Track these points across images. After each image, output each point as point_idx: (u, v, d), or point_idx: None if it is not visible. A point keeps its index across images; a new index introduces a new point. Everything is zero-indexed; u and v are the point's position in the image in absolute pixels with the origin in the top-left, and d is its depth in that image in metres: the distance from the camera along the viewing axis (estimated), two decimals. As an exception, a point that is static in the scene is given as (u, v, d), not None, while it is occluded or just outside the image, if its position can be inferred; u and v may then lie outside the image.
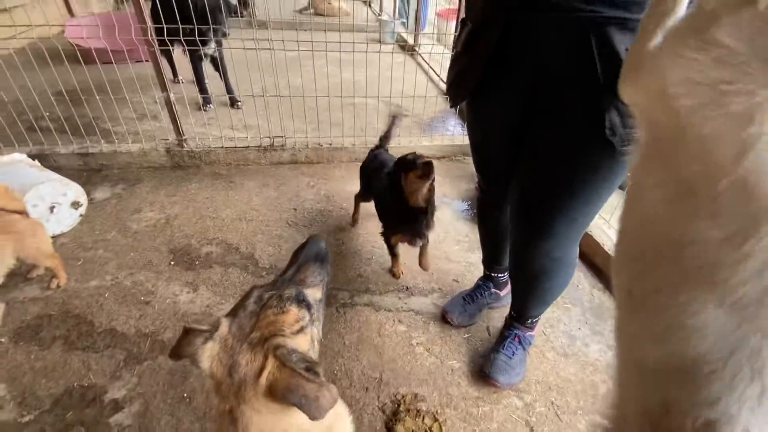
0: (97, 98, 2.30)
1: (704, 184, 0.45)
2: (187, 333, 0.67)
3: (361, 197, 2.07)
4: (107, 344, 1.48)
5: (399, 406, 1.34)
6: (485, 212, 1.47)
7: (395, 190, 1.57)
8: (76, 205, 1.97)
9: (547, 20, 0.87)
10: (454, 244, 2.05)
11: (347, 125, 2.67)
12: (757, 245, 0.42)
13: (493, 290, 1.62)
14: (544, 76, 0.94)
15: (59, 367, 1.39)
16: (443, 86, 3.57)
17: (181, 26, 2.16)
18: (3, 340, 1.46)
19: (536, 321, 1.46)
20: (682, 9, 0.57)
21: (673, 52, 0.49)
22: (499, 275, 1.61)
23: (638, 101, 0.61)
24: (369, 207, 2.26)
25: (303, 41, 2.18)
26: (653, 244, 0.54)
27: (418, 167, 1.47)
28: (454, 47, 1.09)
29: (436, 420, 1.30)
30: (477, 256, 1.96)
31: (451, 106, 1.19)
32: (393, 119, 1.97)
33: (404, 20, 5.47)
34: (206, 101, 3.06)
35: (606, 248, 1.87)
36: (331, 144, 2.64)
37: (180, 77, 3.47)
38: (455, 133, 2.93)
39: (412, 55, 4.51)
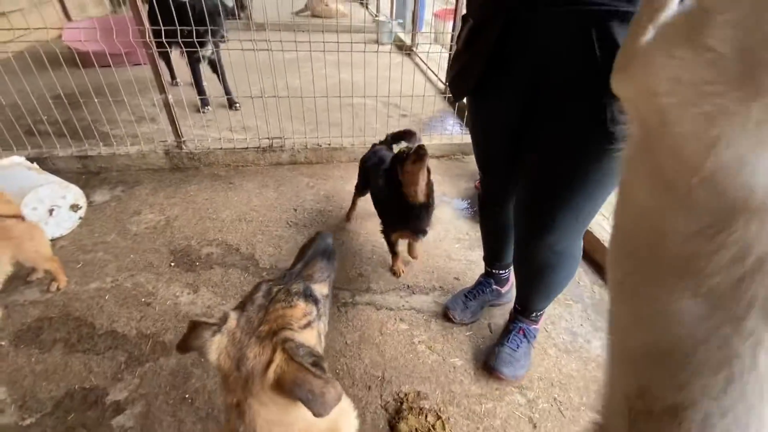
0: (96, 101, 2.30)
1: (680, 180, 0.47)
2: (195, 326, 0.67)
3: (358, 191, 2.08)
4: (108, 346, 1.47)
5: (402, 404, 1.33)
6: (487, 209, 1.47)
7: (394, 187, 1.57)
8: (75, 207, 1.97)
9: (548, 15, 0.88)
10: (454, 242, 2.05)
11: (346, 125, 2.67)
12: (728, 239, 0.44)
13: (494, 287, 1.62)
14: (545, 71, 0.94)
15: (60, 370, 1.38)
16: (441, 86, 3.58)
17: (178, 28, 2.16)
18: (3, 343, 1.46)
19: (541, 314, 1.46)
20: (674, 5, 0.58)
21: (665, 50, 0.50)
22: (501, 272, 1.61)
23: (628, 96, 0.63)
24: (369, 208, 2.26)
25: (301, 41, 2.18)
26: (640, 236, 0.57)
27: (411, 154, 1.48)
28: (455, 44, 1.10)
29: (439, 418, 1.30)
30: (477, 254, 1.97)
31: (453, 102, 1.19)
32: (413, 135, 1.94)
33: (401, 21, 5.48)
34: (204, 103, 3.06)
35: (606, 245, 1.86)
36: (330, 144, 2.64)
37: (178, 80, 3.47)
38: (453, 132, 2.93)
39: (409, 55, 4.52)
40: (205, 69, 3.06)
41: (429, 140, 2.77)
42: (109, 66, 2.21)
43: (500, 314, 1.65)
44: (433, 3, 4.84)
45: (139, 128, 2.60)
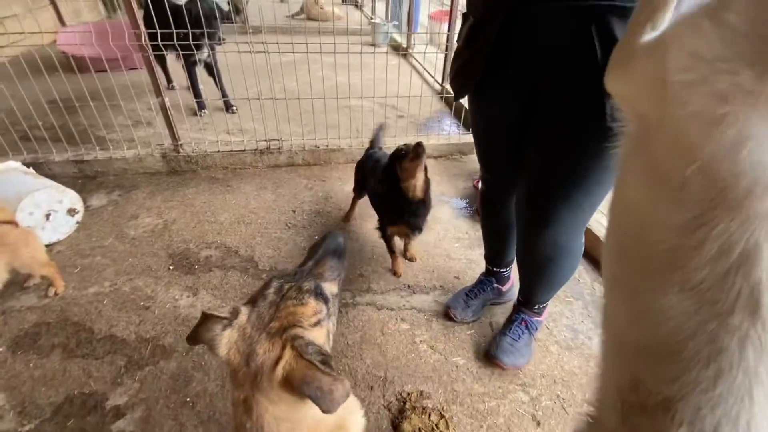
0: (92, 105, 2.29)
1: (675, 171, 0.47)
2: (206, 319, 0.67)
3: (357, 193, 2.09)
4: (107, 350, 1.46)
5: (405, 403, 1.33)
6: (488, 206, 1.47)
7: (392, 183, 1.60)
8: (72, 212, 1.95)
9: (547, 12, 0.88)
10: (454, 241, 2.05)
11: (343, 127, 2.67)
12: (713, 231, 0.44)
13: (495, 285, 1.62)
14: (545, 68, 0.95)
15: (59, 375, 1.37)
16: (437, 87, 3.59)
17: (175, 31, 2.16)
18: (1, 349, 1.44)
19: (543, 307, 1.48)
20: (672, 5, 0.58)
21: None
22: (502, 270, 1.61)
23: (625, 92, 0.64)
24: (368, 210, 2.26)
25: (297, 43, 2.19)
26: (630, 231, 0.58)
27: (409, 151, 1.52)
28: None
29: (442, 417, 1.29)
30: (477, 253, 1.97)
31: (455, 99, 1.20)
32: (379, 127, 2.05)
33: (396, 23, 5.50)
34: (201, 106, 3.06)
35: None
36: (327, 146, 2.64)
37: (174, 83, 3.46)
38: (451, 132, 2.93)
39: (405, 56, 4.53)
40: (201, 72, 3.06)
41: (427, 140, 2.76)
42: (105, 71, 2.20)
43: (502, 313, 1.65)
44: (429, 5, 4.85)
45: (135, 132, 2.59)
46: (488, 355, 1.45)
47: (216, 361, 1.43)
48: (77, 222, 2.00)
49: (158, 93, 2.27)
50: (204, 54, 2.87)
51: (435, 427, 1.26)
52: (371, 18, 6.17)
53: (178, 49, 2.23)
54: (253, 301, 0.71)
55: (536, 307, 1.46)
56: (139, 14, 2.13)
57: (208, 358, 1.44)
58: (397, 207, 1.64)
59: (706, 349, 0.46)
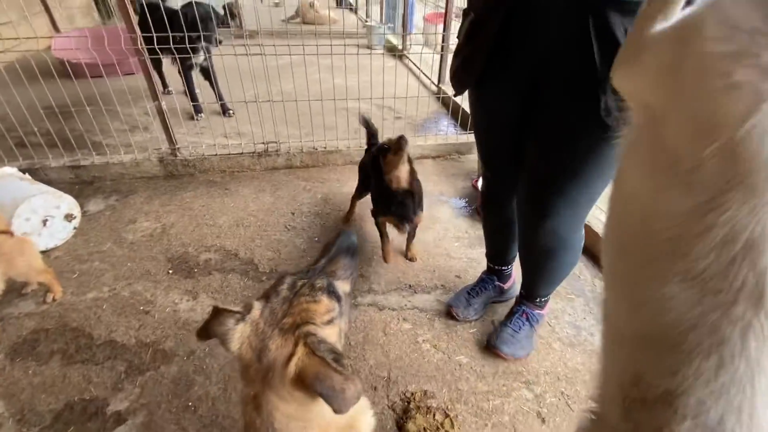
0: (88, 110, 2.28)
1: (689, 152, 0.46)
2: (218, 313, 0.66)
3: (358, 193, 2.09)
4: (107, 356, 1.44)
5: (409, 403, 1.32)
6: (490, 204, 1.47)
7: (379, 176, 1.68)
8: (69, 217, 1.94)
9: (547, 5, 0.88)
10: (454, 240, 2.05)
11: (341, 129, 2.67)
12: (720, 218, 0.43)
13: (497, 283, 1.62)
14: (544, 63, 0.95)
15: (58, 382, 1.35)
16: (434, 88, 3.60)
17: (171, 35, 2.16)
18: (-1, 356, 1.42)
19: (545, 301, 1.49)
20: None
21: None
22: (503, 268, 1.60)
23: (633, 86, 0.62)
24: (368, 211, 2.26)
25: (294, 45, 2.19)
26: (632, 222, 0.57)
27: (391, 146, 1.59)
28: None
29: (447, 416, 1.29)
30: (478, 252, 1.97)
31: (455, 95, 1.20)
32: (363, 120, 2.05)
33: (391, 25, 5.52)
34: (197, 110, 3.05)
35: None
36: (325, 147, 2.63)
37: (170, 88, 3.46)
38: (448, 132, 2.94)
39: (401, 58, 4.55)
40: (197, 76, 3.06)
41: (424, 141, 2.78)
42: (101, 76, 2.19)
43: (504, 311, 1.65)
44: (424, 7, 4.87)
45: (132, 137, 2.58)
46: (488, 345, 1.47)
47: (218, 365, 1.42)
48: (75, 227, 1.99)
49: (155, 97, 2.26)
50: (200, 58, 2.86)
51: (440, 427, 1.26)
52: (366, 21, 6.19)
53: (175, 52, 2.22)
54: (266, 297, 0.70)
55: (538, 301, 1.47)
56: (135, 19, 2.12)
57: (210, 362, 1.43)
58: (385, 198, 1.72)
59: (708, 340, 0.46)
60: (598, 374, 0.66)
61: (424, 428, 1.25)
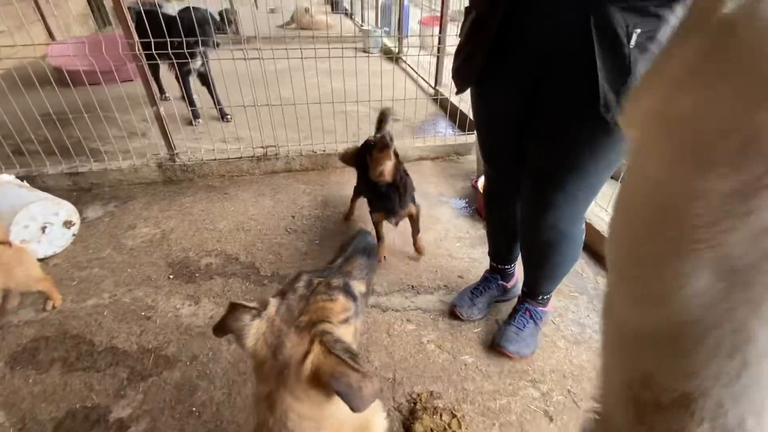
0: (86, 116, 2.27)
1: (739, 126, 0.41)
2: (235, 308, 0.66)
3: (356, 194, 2.11)
4: (109, 363, 1.42)
5: (415, 404, 1.31)
6: (493, 202, 1.47)
7: (365, 172, 1.72)
8: (68, 224, 1.92)
9: (547, 2, 0.89)
10: (455, 241, 2.05)
11: (339, 132, 2.67)
12: (763, 201, 0.39)
13: (500, 282, 1.61)
14: (544, 58, 0.96)
15: (59, 390, 1.33)
16: (431, 91, 3.61)
17: (168, 40, 2.16)
18: (-2, 365, 1.40)
19: (548, 298, 1.48)
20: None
21: None
22: (506, 267, 1.60)
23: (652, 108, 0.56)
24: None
25: (292, 48, 2.19)
26: (654, 209, 0.53)
27: (376, 142, 1.64)
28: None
29: (454, 416, 1.28)
30: (479, 252, 1.96)
31: (457, 93, 1.20)
32: (383, 115, 1.99)
33: (387, 29, 5.55)
34: (195, 115, 3.05)
35: (606, 235, 1.88)
36: (324, 150, 2.63)
37: (167, 94, 3.45)
38: (446, 134, 2.95)
39: (397, 62, 4.57)
40: (194, 82, 3.06)
41: (423, 142, 2.79)
42: (98, 83, 2.18)
43: (507, 309, 1.64)
44: (421, 11, 4.91)
45: (130, 143, 2.56)
46: (493, 344, 1.46)
47: (221, 369, 1.40)
48: (73, 234, 1.97)
49: (153, 102, 2.25)
50: (198, 63, 2.86)
51: (447, 427, 1.24)
52: (361, 26, 6.22)
53: (173, 58, 2.22)
54: (282, 294, 0.70)
55: (540, 298, 1.47)
56: (132, 26, 2.12)
57: (213, 367, 1.42)
58: (371, 193, 1.75)
59: (732, 340, 0.42)
60: (599, 374, 0.63)
61: (431, 429, 1.24)
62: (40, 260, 1.83)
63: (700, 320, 0.44)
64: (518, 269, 1.65)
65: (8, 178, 1.94)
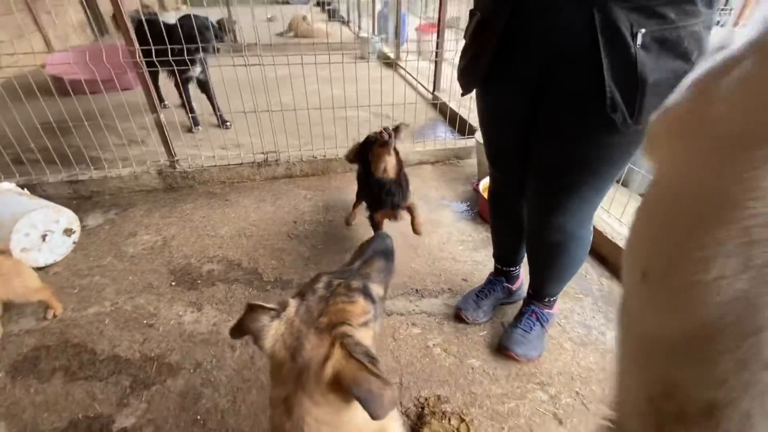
0: (86, 124, 2.26)
1: None
2: (253, 309, 0.64)
3: (358, 199, 2.10)
4: (111, 371, 1.40)
5: (423, 409, 1.29)
6: (498, 204, 1.47)
7: (367, 168, 1.73)
8: (69, 232, 1.91)
9: (554, 3, 0.89)
10: (458, 244, 2.04)
11: (340, 137, 2.67)
12: None
13: (505, 285, 1.61)
14: (549, 59, 0.96)
15: (61, 400, 1.31)
16: (429, 96, 3.64)
17: (169, 47, 2.16)
18: (-1, 375, 1.38)
19: (554, 300, 1.48)
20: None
21: None
22: (511, 269, 1.60)
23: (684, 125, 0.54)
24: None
25: (292, 55, 2.20)
26: (690, 211, 0.50)
27: (378, 138, 1.65)
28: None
29: (462, 420, 1.26)
30: (483, 255, 1.96)
31: (463, 95, 1.20)
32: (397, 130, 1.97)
33: (384, 36, 5.59)
34: (195, 122, 3.05)
35: (609, 237, 1.88)
36: (325, 156, 2.63)
37: (166, 102, 3.45)
38: (446, 138, 2.96)
39: (395, 68, 4.60)
40: (194, 89, 3.06)
41: (423, 147, 2.79)
42: (98, 92, 2.18)
43: (513, 312, 1.63)
44: (420, 19, 4.95)
45: (130, 151, 2.56)
46: (500, 347, 1.45)
47: (225, 376, 1.39)
48: (74, 242, 1.95)
49: (153, 109, 2.25)
50: (197, 70, 2.87)
51: (456, 431, 1.23)
52: (358, 33, 6.27)
53: (173, 64, 2.22)
54: (301, 295, 0.68)
55: (546, 300, 1.46)
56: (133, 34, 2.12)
57: (217, 374, 1.40)
58: (374, 190, 1.75)
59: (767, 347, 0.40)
60: (615, 382, 0.60)
61: (440, 434, 1.22)
62: (41, 268, 1.81)
63: (736, 325, 0.42)
64: (523, 271, 1.65)
65: (9, 186, 1.93)
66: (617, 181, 1.16)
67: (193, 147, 2.76)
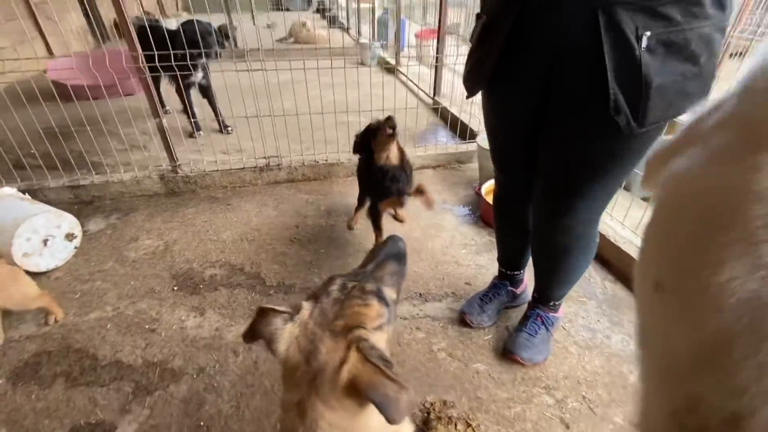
0: (88, 128, 2.26)
1: None
2: (265, 313, 0.63)
3: (360, 203, 2.11)
4: (113, 377, 1.39)
5: (429, 414, 1.28)
6: (503, 207, 1.46)
7: (371, 157, 1.75)
8: (70, 237, 1.90)
9: (556, 4, 0.89)
10: (461, 248, 2.04)
11: (341, 142, 2.68)
12: None
13: (509, 288, 1.60)
14: (554, 61, 0.96)
15: (63, 406, 1.30)
16: (429, 101, 3.65)
17: (172, 52, 2.17)
18: (0, 381, 1.36)
19: (559, 304, 1.47)
20: None
21: None
22: (515, 272, 1.59)
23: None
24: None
25: (295, 59, 2.21)
26: (695, 217, 0.50)
27: (381, 125, 1.68)
28: (469, 41, 1.12)
29: (469, 425, 1.25)
30: (486, 259, 1.96)
31: (467, 97, 1.20)
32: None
33: (384, 42, 5.63)
34: (197, 127, 3.05)
35: (612, 240, 1.88)
36: (327, 160, 2.64)
37: (168, 107, 3.46)
38: (447, 142, 2.97)
39: (395, 74, 4.62)
40: (195, 95, 3.07)
41: (424, 151, 2.80)
42: (98, 98, 2.18)
43: (517, 316, 1.62)
44: (420, 25, 4.98)
45: (132, 156, 2.56)
46: (505, 351, 1.45)
47: (229, 382, 1.37)
48: (75, 247, 1.94)
49: (156, 114, 2.25)
50: (199, 75, 2.88)
51: (462, 437, 1.22)
52: (358, 39, 6.31)
53: (176, 70, 2.23)
54: (315, 297, 0.68)
55: (552, 304, 1.46)
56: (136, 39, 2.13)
57: (220, 379, 1.38)
58: (379, 180, 1.76)
59: None
60: (638, 401, 0.59)
61: (447, 439, 1.21)
62: (42, 273, 1.80)
63: (752, 329, 0.41)
64: (527, 275, 1.64)
65: (10, 191, 1.92)
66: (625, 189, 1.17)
67: (195, 152, 2.76)
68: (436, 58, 3.27)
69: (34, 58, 2.10)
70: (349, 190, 2.50)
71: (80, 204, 2.36)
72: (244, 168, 2.54)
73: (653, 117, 0.90)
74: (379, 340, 0.66)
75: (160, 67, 2.16)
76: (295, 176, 2.63)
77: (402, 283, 0.83)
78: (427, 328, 1.60)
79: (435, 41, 3.37)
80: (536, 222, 1.27)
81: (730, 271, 0.44)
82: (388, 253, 0.82)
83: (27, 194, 2.04)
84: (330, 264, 1.93)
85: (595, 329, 1.59)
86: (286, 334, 0.62)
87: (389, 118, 1.66)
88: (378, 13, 5.89)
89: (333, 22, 7.99)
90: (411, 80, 4.24)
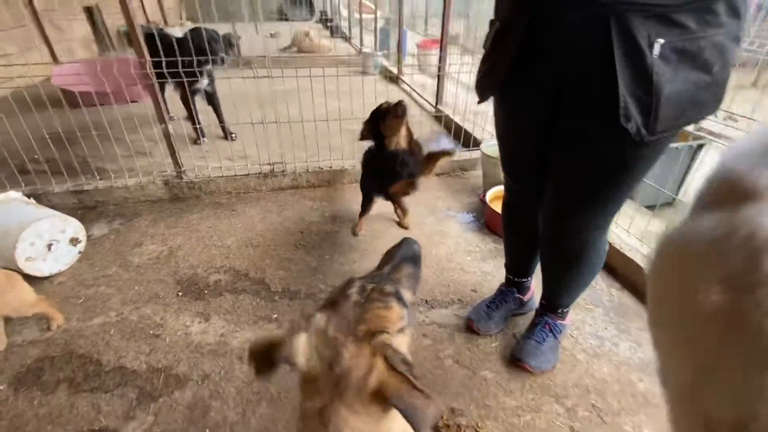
0: (94, 134, 2.27)
1: None
2: (261, 349, 0.62)
3: (363, 209, 2.12)
4: (117, 383, 1.37)
5: (438, 422, 1.26)
6: (512, 214, 1.46)
7: (380, 141, 1.76)
8: (74, 241, 1.89)
9: (569, 10, 0.90)
10: (466, 255, 2.03)
11: (346, 149, 2.69)
12: None
13: (516, 295, 1.59)
14: (566, 67, 0.97)
15: (66, 412, 1.28)
16: (431, 109, 3.68)
17: (179, 59, 2.19)
18: (2, 387, 1.35)
19: (567, 311, 1.46)
20: None
21: None
22: (523, 280, 1.58)
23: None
24: (378, 227, 2.25)
25: (301, 68, 2.23)
26: (725, 331, 0.40)
27: (391, 109, 1.70)
28: (483, 47, 1.13)
29: (478, 433, 1.23)
30: (491, 265, 1.95)
31: (479, 102, 1.21)
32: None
33: (386, 52, 5.69)
34: (202, 133, 3.07)
35: (618, 248, 1.87)
36: (331, 167, 2.64)
37: (172, 114, 3.48)
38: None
39: (397, 83, 4.66)
40: (200, 102, 3.09)
41: (428, 159, 2.81)
42: (104, 105, 2.19)
43: (524, 323, 1.61)
44: (423, 35, 5.05)
45: (136, 161, 2.57)
46: (513, 359, 1.43)
47: (234, 388, 1.36)
48: (79, 252, 1.94)
49: (161, 120, 2.26)
50: (205, 82, 2.91)
51: (472, 445, 1.20)
52: (360, 49, 6.37)
53: (183, 76, 2.24)
54: (332, 303, 0.67)
55: (560, 311, 1.45)
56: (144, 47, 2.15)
57: (226, 385, 1.37)
58: (391, 164, 1.77)
59: None
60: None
61: (456, 448, 1.19)
62: (46, 278, 1.79)
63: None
64: (534, 282, 1.63)
65: (15, 195, 1.92)
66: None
67: (200, 158, 2.77)
68: (439, 67, 3.30)
69: (41, 64, 2.11)
70: (354, 197, 2.50)
71: (84, 209, 2.35)
72: (248, 174, 2.54)
73: (664, 125, 0.90)
74: (402, 343, 0.65)
75: (167, 73, 2.18)
76: (300, 183, 2.63)
77: (417, 286, 0.83)
78: (433, 335, 1.58)
79: (438, 50, 3.40)
80: (545, 228, 1.27)
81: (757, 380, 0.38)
82: (404, 256, 0.81)
83: (32, 198, 2.04)
84: (335, 270, 1.92)
85: (603, 337, 1.58)
86: (300, 346, 0.60)
87: (399, 102, 1.66)
88: (380, 23, 5.97)
89: (335, 31, 8.08)
90: (414, 89, 4.27)
